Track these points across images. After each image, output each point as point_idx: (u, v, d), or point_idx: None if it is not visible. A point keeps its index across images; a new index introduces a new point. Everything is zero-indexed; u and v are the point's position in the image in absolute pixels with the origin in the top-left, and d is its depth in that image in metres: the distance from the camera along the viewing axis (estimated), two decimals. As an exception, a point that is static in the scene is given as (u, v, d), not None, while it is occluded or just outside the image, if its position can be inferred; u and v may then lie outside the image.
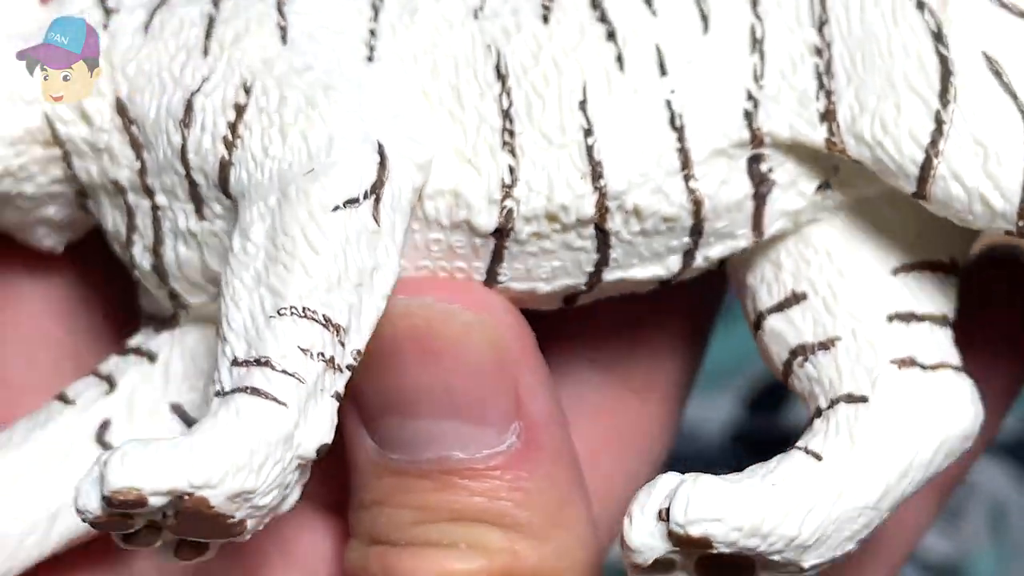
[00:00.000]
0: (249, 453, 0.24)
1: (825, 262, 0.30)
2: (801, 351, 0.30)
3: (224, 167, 0.28)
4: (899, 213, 0.30)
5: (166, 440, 0.24)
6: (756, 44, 0.29)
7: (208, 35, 0.29)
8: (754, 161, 0.29)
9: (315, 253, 0.25)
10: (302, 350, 0.25)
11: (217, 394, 0.25)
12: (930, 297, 0.30)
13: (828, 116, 0.28)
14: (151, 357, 0.31)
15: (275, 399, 0.24)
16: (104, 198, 0.31)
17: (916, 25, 0.28)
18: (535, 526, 0.28)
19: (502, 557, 0.28)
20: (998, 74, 0.27)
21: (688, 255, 0.30)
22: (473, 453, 0.27)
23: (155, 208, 0.30)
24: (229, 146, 0.28)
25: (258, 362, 0.25)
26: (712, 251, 0.30)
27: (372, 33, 0.29)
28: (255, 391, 0.25)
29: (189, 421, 0.30)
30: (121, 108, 0.30)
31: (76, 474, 0.29)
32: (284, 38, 0.28)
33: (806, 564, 0.28)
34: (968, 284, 0.31)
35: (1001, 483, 0.85)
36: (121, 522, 0.24)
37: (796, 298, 0.30)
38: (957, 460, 0.30)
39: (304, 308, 0.25)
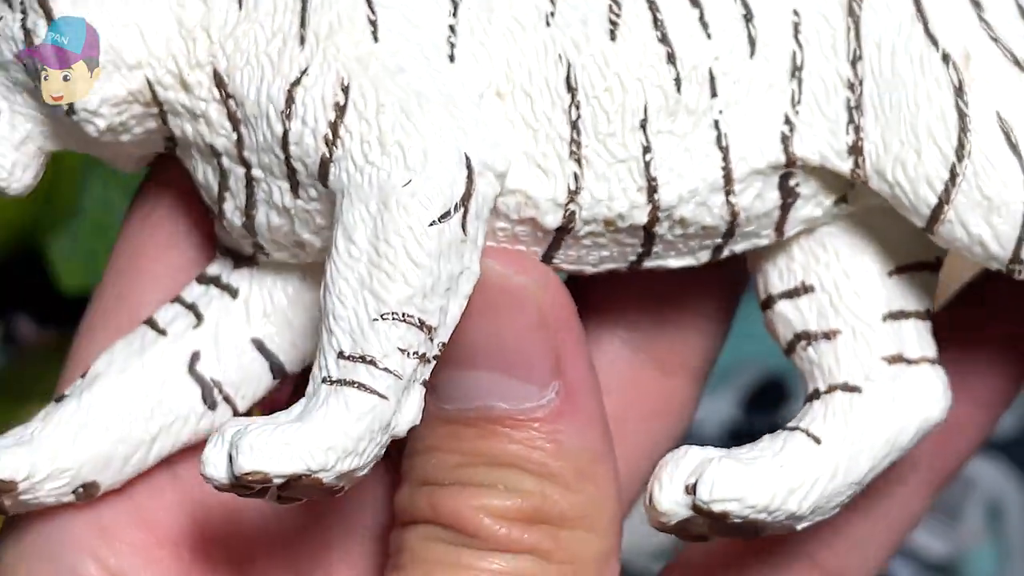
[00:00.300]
0: (356, 441, 0.28)
1: (833, 261, 0.33)
2: (805, 336, 0.33)
3: (324, 163, 0.30)
4: (898, 221, 0.32)
5: (286, 425, 0.28)
6: (796, 71, 0.31)
7: (303, 22, 0.30)
8: (785, 178, 0.32)
9: (415, 265, 0.28)
10: (401, 350, 0.28)
11: (324, 380, 0.28)
12: (917, 295, 0.33)
13: (855, 150, 0.31)
14: (232, 292, 0.33)
15: (378, 394, 0.28)
16: (196, 153, 0.32)
17: (941, 78, 0.31)
18: (566, 476, 0.31)
19: (533, 500, 0.31)
20: (1007, 134, 0.31)
21: (717, 250, 0.33)
22: (516, 405, 0.31)
23: (250, 177, 0.31)
24: (330, 145, 0.30)
25: (363, 359, 0.28)
26: (737, 247, 0.33)
27: (452, 30, 0.31)
28: (361, 386, 0.28)
29: (267, 353, 0.33)
30: (219, 81, 0.31)
31: (172, 401, 0.33)
32: (375, 35, 0.30)
33: (798, 527, 0.32)
34: (973, 292, 0.35)
35: (998, 482, 0.85)
36: (242, 489, 0.28)
37: (805, 289, 0.33)
38: (954, 461, 0.35)
39: (404, 313, 0.28)
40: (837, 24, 0.31)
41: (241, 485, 0.28)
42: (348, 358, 0.28)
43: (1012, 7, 0.32)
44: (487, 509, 0.31)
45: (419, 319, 0.28)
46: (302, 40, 0.30)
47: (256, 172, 0.31)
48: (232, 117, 0.31)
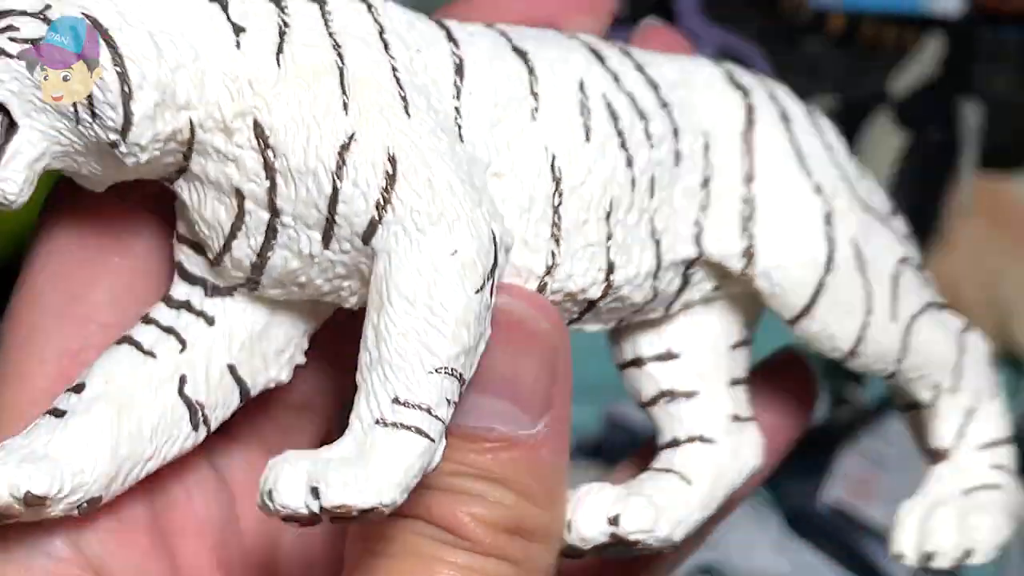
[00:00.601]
0: (413, 479, 0.31)
1: (696, 334, 0.39)
2: (669, 394, 0.39)
3: (373, 225, 0.32)
4: (742, 306, 0.39)
5: (358, 462, 0.31)
6: (706, 182, 0.38)
7: (343, 91, 0.33)
8: (688, 267, 0.38)
9: (466, 327, 0.32)
10: (447, 400, 0.32)
11: (378, 422, 0.31)
12: (744, 365, 0.40)
13: (747, 253, 0.37)
14: (207, 319, 0.35)
15: (431, 438, 0.31)
16: (208, 190, 0.34)
17: (814, 205, 0.38)
18: (540, 496, 0.35)
19: (513, 513, 0.34)
20: (858, 256, 0.38)
21: (621, 321, 0.38)
22: (512, 430, 0.34)
23: (275, 223, 0.33)
24: (380, 209, 0.32)
25: (419, 407, 0.31)
26: (635, 319, 0.38)
27: (458, 112, 0.35)
28: (419, 431, 0.31)
29: (238, 379, 0.35)
30: (260, 133, 0.33)
31: (167, 422, 0.35)
32: (407, 111, 0.33)
33: (666, 549, 0.38)
34: (771, 366, 0.43)
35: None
36: (315, 518, 0.31)
37: (671, 355, 0.39)
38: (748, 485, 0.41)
39: (452, 368, 0.32)
40: (736, 148, 0.38)
41: (317, 515, 0.30)
42: (404, 404, 0.31)
43: (845, 152, 0.40)
44: (475, 515, 0.33)
45: (460, 374, 0.32)
46: (346, 108, 0.33)
47: (286, 219, 0.33)
48: (268, 167, 0.33)
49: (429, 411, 0.31)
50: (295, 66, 0.33)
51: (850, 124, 0.94)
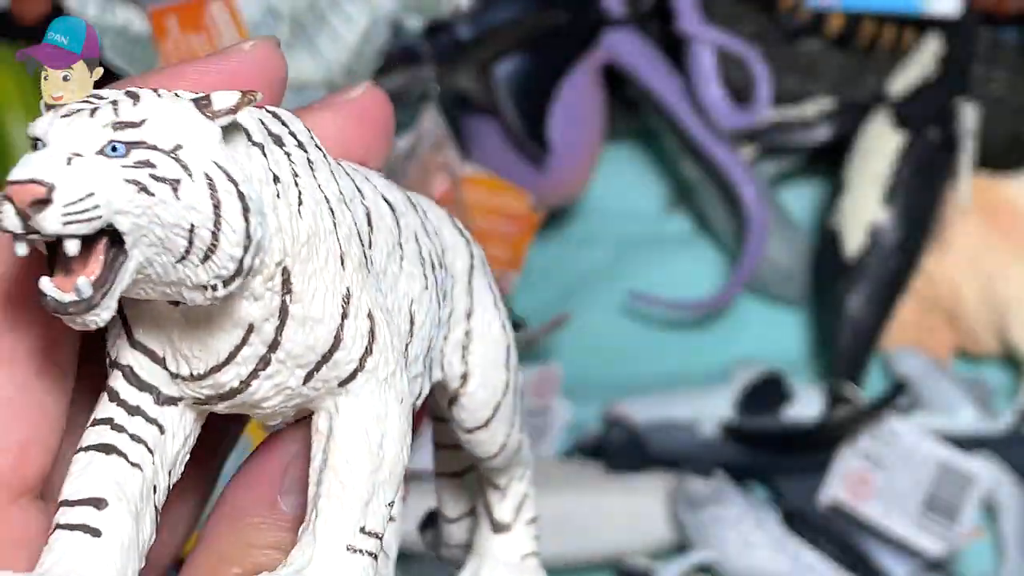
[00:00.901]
0: None
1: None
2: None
3: (355, 372, 0.35)
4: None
5: None
6: (449, 316, 0.41)
7: (340, 246, 0.35)
8: (432, 388, 0.42)
9: (404, 462, 0.36)
10: (390, 521, 0.36)
11: (348, 548, 0.35)
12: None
13: (464, 376, 0.42)
14: (159, 427, 0.36)
15: (384, 555, 0.37)
16: (221, 320, 0.34)
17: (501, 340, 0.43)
18: None
19: None
20: (516, 381, 0.43)
21: None
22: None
23: (270, 357, 0.35)
24: (363, 359, 0.35)
25: (377, 536, 0.35)
26: None
27: (369, 260, 0.37)
28: (374, 556, 0.35)
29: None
30: (287, 278, 0.34)
31: (146, 531, 0.35)
32: (367, 267, 0.36)
33: None
34: None
35: (993, 480, 0.86)
36: None
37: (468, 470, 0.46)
38: None
39: (392, 501, 0.36)
40: (463, 287, 0.42)
41: None
42: (368, 533, 0.35)
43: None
44: None
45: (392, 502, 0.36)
46: (343, 262, 0.35)
47: (280, 355, 0.35)
48: (283, 309, 0.34)
49: (380, 538, 0.36)
50: (312, 220, 0.34)
51: (848, 124, 0.94)
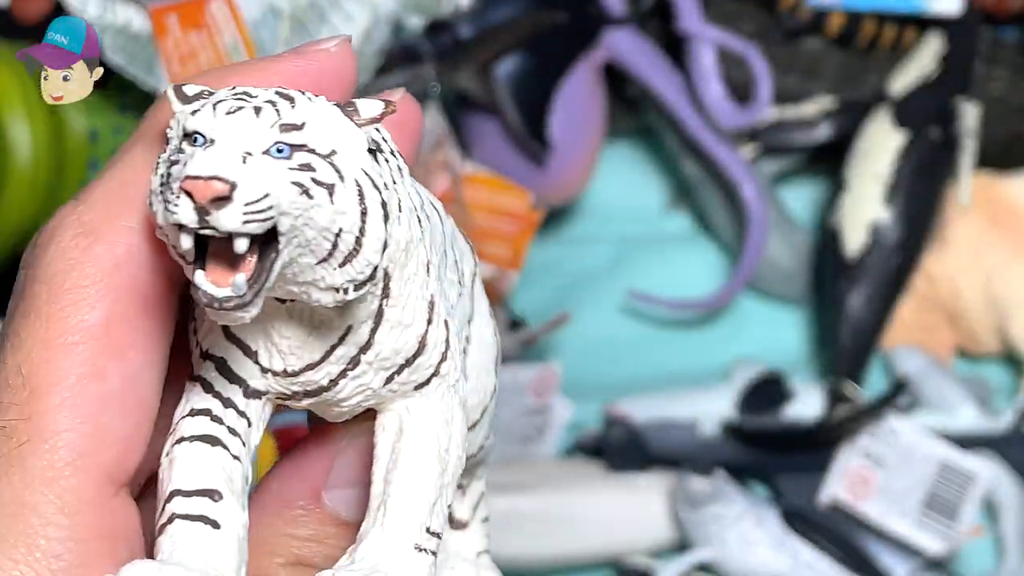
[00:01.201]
0: None
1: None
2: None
3: (430, 377, 0.36)
4: None
5: None
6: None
7: (427, 253, 0.36)
8: None
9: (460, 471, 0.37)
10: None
11: (415, 547, 0.35)
12: None
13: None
14: (248, 421, 0.36)
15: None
16: (325, 319, 0.35)
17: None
18: None
19: None
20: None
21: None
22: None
23: (360, 358, 0.35)
24: (439, 364, 0.36)
25: (438, 536, 0.36)
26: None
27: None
28: (435, 555, 0.35)
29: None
30: (387, 283, 0.35)
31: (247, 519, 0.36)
32: (461, 292, 0.38)
33: None
34: None
35: (993, 479, 0.86)
36: None
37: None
38: None
39: (451, 503, 0.37)
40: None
41: None
42: (432, 533, 0.35)
43: None
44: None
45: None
46: (428, 269, 0.36)
47: (369, 357, 0.35)
48: (380, 312, 0.35)
49: (440, 537, 0.36)
50: (408, 226, 0.35)
51: (849, 123, 0.94)
